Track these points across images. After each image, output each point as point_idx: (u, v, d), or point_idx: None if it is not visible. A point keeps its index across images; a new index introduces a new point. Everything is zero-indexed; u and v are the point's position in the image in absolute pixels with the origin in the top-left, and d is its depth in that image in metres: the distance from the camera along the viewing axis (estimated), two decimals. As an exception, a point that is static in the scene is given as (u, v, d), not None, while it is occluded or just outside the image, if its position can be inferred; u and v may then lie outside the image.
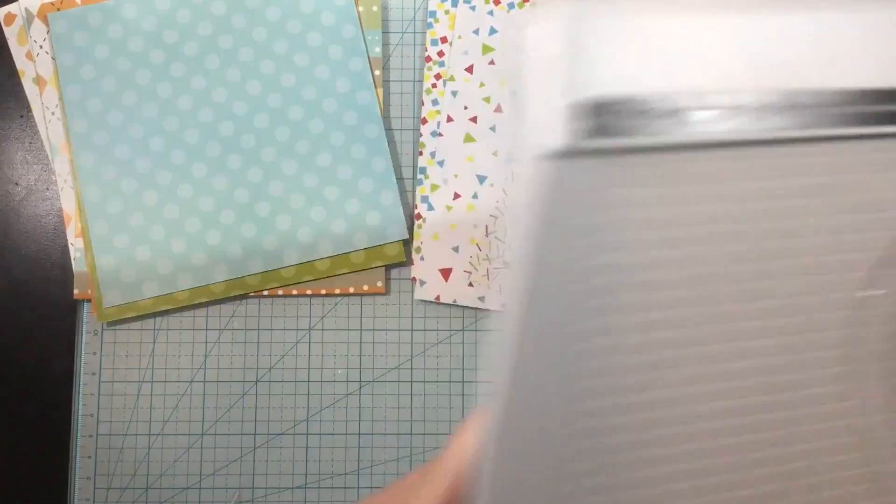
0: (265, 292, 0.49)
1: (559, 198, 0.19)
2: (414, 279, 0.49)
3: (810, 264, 0.22)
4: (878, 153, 0.22)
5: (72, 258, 0.49)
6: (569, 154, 0.19)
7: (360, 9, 0.50)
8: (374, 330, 0.49)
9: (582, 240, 0.20)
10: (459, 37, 0.49)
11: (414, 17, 0.50)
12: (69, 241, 0.49)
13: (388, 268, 0.49)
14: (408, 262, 0.49)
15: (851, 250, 0.22)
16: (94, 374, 0.48)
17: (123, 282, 0.48)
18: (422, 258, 0.49)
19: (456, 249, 0.49)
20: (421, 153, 0.49)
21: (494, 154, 0.49)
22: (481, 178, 0.49)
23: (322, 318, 0.49)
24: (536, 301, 0.20)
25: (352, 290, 0.49)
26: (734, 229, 0.21)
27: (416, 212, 0.49)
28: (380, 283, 0.49)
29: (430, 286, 0.49)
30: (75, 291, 0.48)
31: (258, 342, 0.49)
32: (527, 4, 0.50)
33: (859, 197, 0.22)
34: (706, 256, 0.21)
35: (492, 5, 0.50)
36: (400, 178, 0.50)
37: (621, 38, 0.18)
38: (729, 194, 0.21)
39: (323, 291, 0.49)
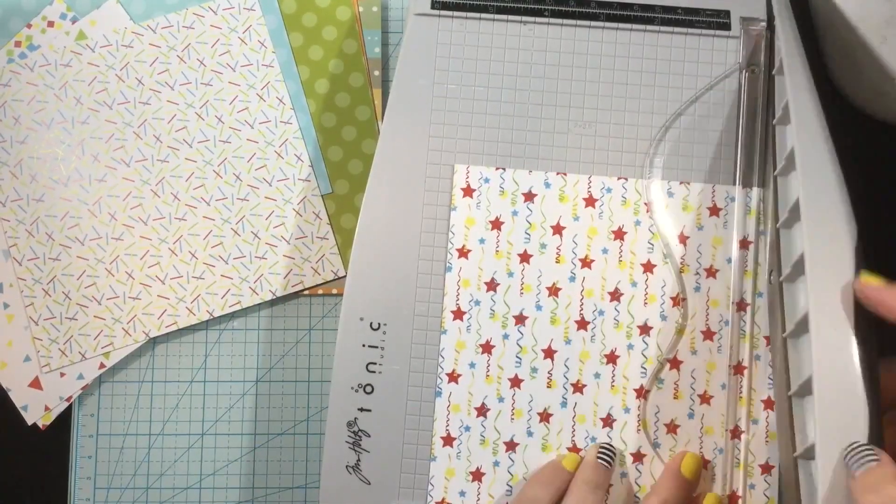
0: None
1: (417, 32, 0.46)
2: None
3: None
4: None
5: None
6: (423, 14, 0.46)
7: (360, 9, 0.50)
8: (373, 330, 0.49)
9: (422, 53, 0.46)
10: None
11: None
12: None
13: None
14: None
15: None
16: (94, 374, 0.48)
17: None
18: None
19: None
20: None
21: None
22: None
23: (322, 318, 0.49)
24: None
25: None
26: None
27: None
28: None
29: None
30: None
31: (258, 342, 0.49)
32: None
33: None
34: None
35: None
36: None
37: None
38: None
39: (320, 291, 0.49)
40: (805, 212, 0.38)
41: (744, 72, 0.45)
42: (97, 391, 0.48)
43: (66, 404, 0.48)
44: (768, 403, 0.43)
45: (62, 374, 0.48)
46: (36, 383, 0.48)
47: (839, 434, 0.35)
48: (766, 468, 0.42)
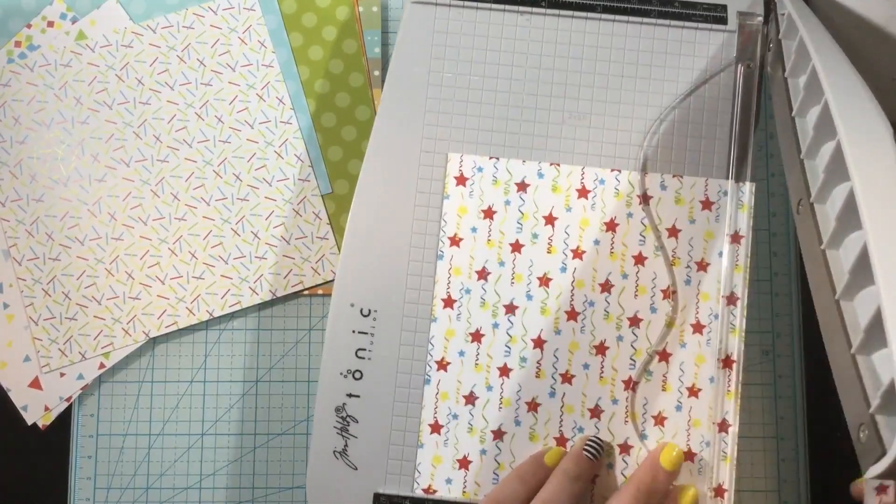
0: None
1: (414, 17, 0.46)
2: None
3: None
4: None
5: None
6: (421, 2, 0.46)
7: (360, 9, 0.50)
8: (373, 330, 0.49)
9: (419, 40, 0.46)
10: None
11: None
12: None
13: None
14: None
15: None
16: (94, 374, 0.48)
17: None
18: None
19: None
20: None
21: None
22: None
23: (322, 318, 0.49)
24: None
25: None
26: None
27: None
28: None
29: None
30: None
31: (258, 342, 0.49)
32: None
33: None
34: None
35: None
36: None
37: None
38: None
39: (320, 291, 0.49)
40: (837, 114, 0.36)
41: (739, 66, 0.45)
42: (97, 391, 0.48)
43: (66, 404, 0.48)
44: None
45: (62, 374, 0.48)
46: (36, 383, 0.48)
47: None
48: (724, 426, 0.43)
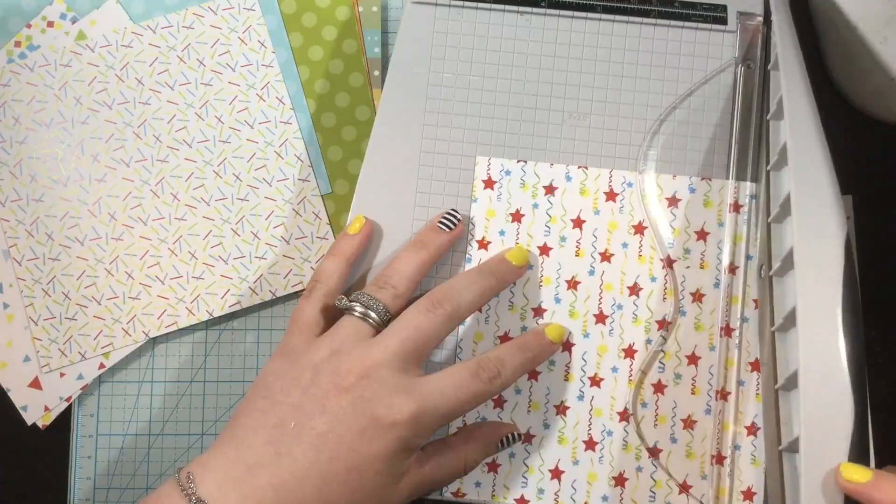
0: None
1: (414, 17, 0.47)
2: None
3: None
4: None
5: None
6: (421, 2, 0.46)
7: (360, 9, 0.50)
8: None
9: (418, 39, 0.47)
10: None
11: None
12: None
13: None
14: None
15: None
16: (94, 374, 0.48)
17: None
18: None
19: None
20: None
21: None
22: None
23: (322, 318, 0.49)
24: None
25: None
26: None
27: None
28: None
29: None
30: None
31: (258, 342, 0.49)
32: None
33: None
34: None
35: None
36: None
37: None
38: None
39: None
40: (795, 207, 0.38)
41: (739, 66, 0.46)
42: (97, 391, 0.48)
43: (65, 404, 0.48)
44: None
45: (62, 374, 0.48)
46: (36, 383, 0.48)
47: (824, 428, 0.35)
48: (752, 428, 0.43)
